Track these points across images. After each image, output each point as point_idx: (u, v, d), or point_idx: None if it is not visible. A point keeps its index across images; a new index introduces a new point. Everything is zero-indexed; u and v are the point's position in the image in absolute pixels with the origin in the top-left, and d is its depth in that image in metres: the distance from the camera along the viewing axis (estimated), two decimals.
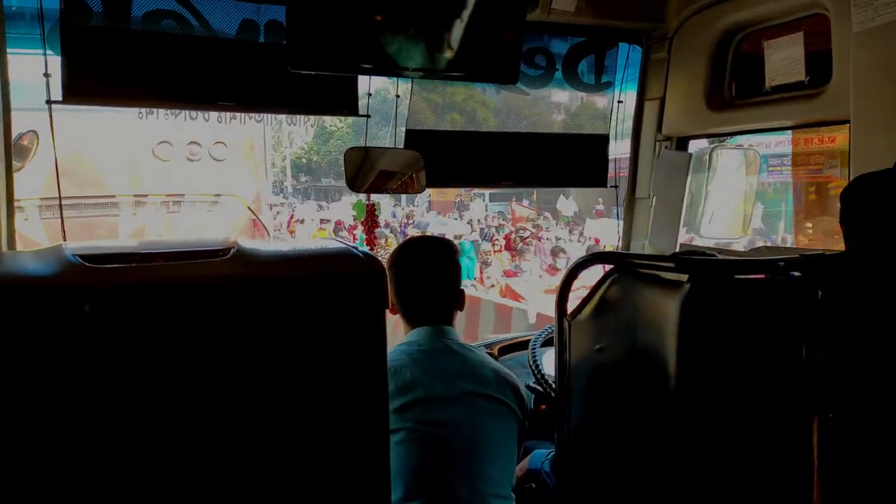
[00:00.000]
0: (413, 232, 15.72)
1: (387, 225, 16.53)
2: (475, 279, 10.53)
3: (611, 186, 2.67)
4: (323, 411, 0.89)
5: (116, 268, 0.78)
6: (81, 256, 0.78)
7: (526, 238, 12.28)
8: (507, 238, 13.02)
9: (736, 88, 2.27)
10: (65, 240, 1.83)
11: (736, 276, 1.25)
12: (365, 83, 2.25)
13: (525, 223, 15.52)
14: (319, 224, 16.51)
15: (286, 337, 0.86)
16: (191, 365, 0.80)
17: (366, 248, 0.95)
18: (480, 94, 2.72)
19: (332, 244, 0.98)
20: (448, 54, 1.98)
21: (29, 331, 0.72)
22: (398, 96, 2.26)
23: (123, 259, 0.80)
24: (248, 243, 0.91)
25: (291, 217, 19.60)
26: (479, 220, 17.31)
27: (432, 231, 15.42)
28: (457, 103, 2.70)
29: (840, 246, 1.35)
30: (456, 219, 19.04)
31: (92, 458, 0.75)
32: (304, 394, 0.87)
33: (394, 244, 13.04)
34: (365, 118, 2.25)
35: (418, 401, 1.51)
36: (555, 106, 2.70)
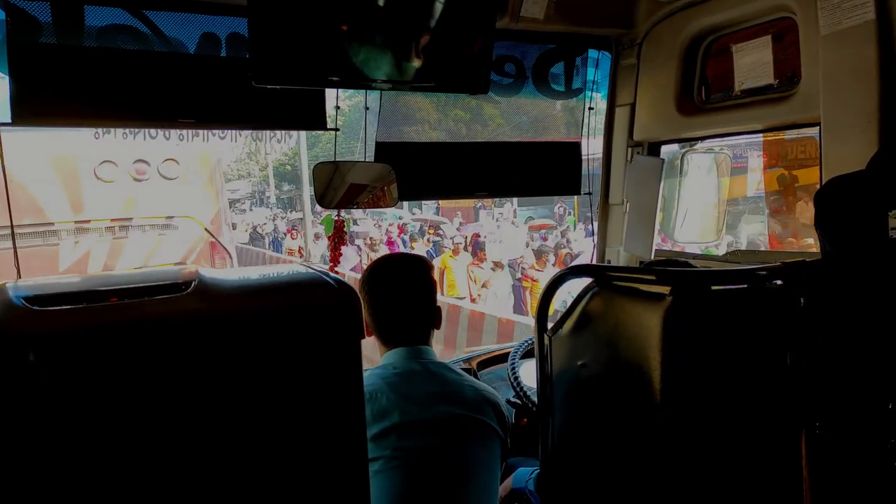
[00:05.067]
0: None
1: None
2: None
3: (585, 193, 2.66)
4: (299, 445, 0.84)
5: (65, 310, 0.72)
6: (26, 298, 0.72)
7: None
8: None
9: (706, 92, 2.27)
10: (19, 275, 1.74)
11: (718, 287, 1.23)
12: (332, 96, 2.20)
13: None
14: (314, 240, 15.66)
15: (257, 373, 0.81)
16: (152, 410, 0.74)
17: (337, 275, 0.90)
18: (451, 104, 2.69)
19: (302, 271, 0.93)
20: (416, 64, 1.94)
21: None
22: (367, 108, 2.22)
23: (73, 299, 0.74)
24: (210, 274, 0.85)
25: (289, 233, 18.48)
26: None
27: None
28: (427, 114, 2.66)
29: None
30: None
31: None
32: (278, 429, 0.83)
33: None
34: (334, 131, 2.19)
35: (395, 427, 1.46)
36: (526, 114, 2.68)
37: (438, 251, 13.70)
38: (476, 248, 12.41)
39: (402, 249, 14.20)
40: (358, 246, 14.23)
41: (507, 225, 17.92)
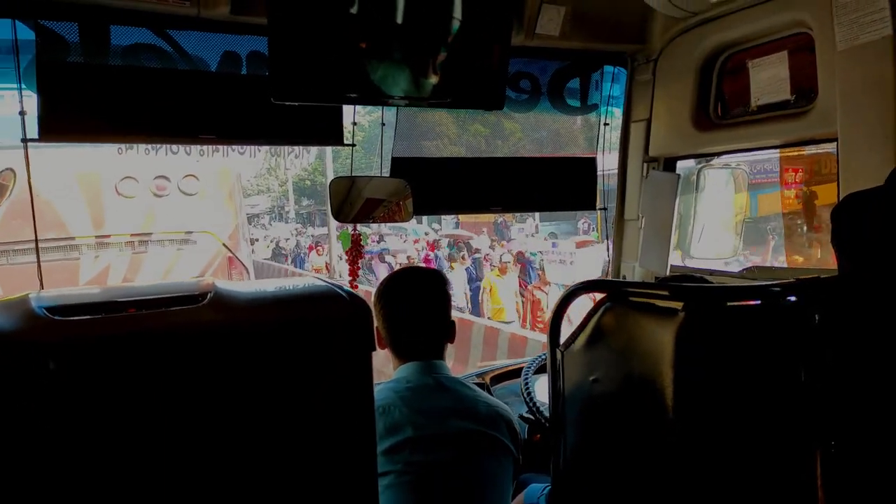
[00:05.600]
0: None
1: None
2: None
3: (600, 209, 2.66)
4: (310, 458, 0.85)
5: (85, 320, 0.74)
6: (48, 308, 0.74)
7: None
8: None
9: (722, 108, 2.27)
10: (41, 286, 1.78)
11: (732, 304, 1.23)
12: (350, 111, 2.23)
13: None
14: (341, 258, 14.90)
15: (269, 384, 0.82)
16: (168, 420, 0.76)
17: (350, 289, 0.91)
18: (468, 119, 2.71)
19: (316, 283, 0.94)
20: (433, 81, 1.97)
21: None
22: (384, 124, 2.25)
23: (93, 309, 0.76)
24: (226, 286, 0.87)
25: (314, 249, 17.71)
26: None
27: None
28: (443, 129, 2.69)
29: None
30: None
31: None
32: (289, 441, 0.84)
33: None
34: (351, 147, 2.23)
35: (408, 441, 1.46)
36: (541, 130, 2.70)
37: (479, 269, 13.02)
38: (528, 267, 11.69)
39: (437, 267, 13.65)
40: (389, 263, 13.87)
41: (567, 243, 15.57)
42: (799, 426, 1.17)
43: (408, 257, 13.63)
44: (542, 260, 12.28)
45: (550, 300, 9.35)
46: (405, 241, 18.13)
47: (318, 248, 17.51)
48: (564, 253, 12.02)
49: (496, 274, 10.42)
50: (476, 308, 11.56)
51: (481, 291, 11.16)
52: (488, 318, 9.75)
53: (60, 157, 6.95)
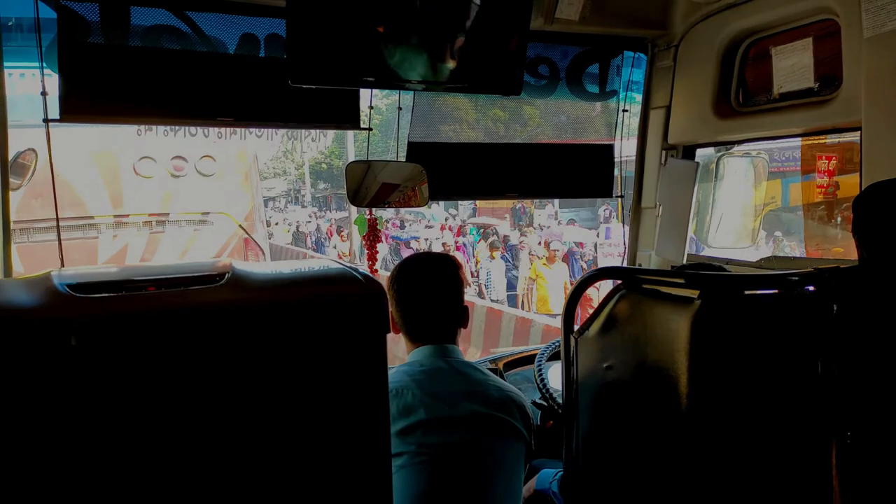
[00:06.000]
0: None
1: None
2: None
3: (617, 196, 2.64)
4: (324, 437, 0.86)
5: (106, 297, 0.75)
6: (70, 285, 0.76)
7: None
8: None
9: (743, 95, 2.24)
10: (62, 265, 1.81)
11: (748, 292, 1.22)
12: (367, 95, 2.23)
13: None
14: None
15: (285, 363, 0.83)
16: (185, 397, 0.77)
17: (366, 271, 0.92)
18: (486, 104, 2.70)
19: (331, 265, 0.95)
20: (450, 65, 1.96)
21: (11, 365, 0.69)
22: (400, 108, 2.24)
23: (114, 287, 0.77)
24: (243, 266, 0.88)
25: (332, 234, 17.28)
26: None
27: None
28: (459, 114, 2.68)
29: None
30: None
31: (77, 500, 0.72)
32: (304, 420, 0.85)
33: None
34: (367, 131, 2.22)
35: (420, 423, 1.47)
36: (559, 115, 2.67)
37: (515, 256, 12.51)
38: (572, 258, 10.97)
39: (467, 256, 13.22)
40: (415, 250, 13.35)
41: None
42: (815, 417, 1.17)
43: (443, 244, 13.12)
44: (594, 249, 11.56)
45: (602, 294, 8.78)
46: (430, 228, 17.70)
47: (341, 233, 16.87)
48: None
49: (543, 262, 9.93)
50: (513, 301, 11.10)
51: (524, 280, 10.67)
52: (533, 310, 9.38)
53: (80, 137, 7.00)
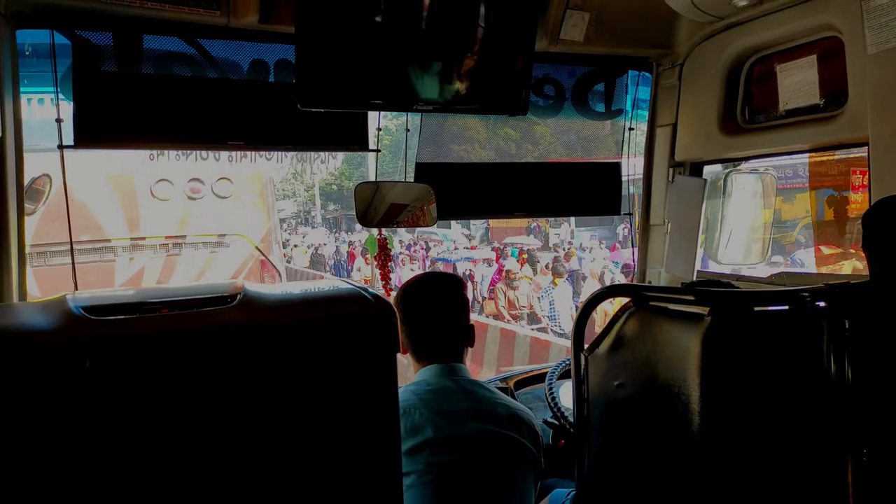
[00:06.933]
0: None
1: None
2: None
3: (625, 214, 2.65)
4: (335, 456, 0.86)
5: (120, 319, 0.76)
6: (85, 308, 0.77)
7: None
8: None
9: (749, 112, 2.25)
10: (76, 288, 1.83)
11: (759, 308, 1.21)
12: (375, 117, 2.26)
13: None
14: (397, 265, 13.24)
15: (297, 382, 0.84)
16: (199, 417, 0.78)
17: (376, 291, 0.93)
18: (490, 124, 2.73)
19: (342, 286, 0.96)
20: (457, 87, 1.99)
21: (28, 387, 0.70)
22: (408, 130, 2.27)
23: (128, 309, 0.79)
24: (255, 287, 0.89)
25: (354, 258, 16.26)
26: None
27: None
28: (467, 135, 2.70)
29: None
30: None
31: None
32: (315, 439, 0.85)
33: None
34: (375, 152, 2.25)
35: (428, 442, 1.47)
36: (567, 134, 2.69)
37: (576, 283, 11.62)
38: None
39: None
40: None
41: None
42: (830, 434, 1.15)
43: (508, 272, 11.33)
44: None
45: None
46: (449, 249, 17.20)
47: (365, 255, 15.49)
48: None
49: None
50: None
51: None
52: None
53: (96, 160, 7.07)
